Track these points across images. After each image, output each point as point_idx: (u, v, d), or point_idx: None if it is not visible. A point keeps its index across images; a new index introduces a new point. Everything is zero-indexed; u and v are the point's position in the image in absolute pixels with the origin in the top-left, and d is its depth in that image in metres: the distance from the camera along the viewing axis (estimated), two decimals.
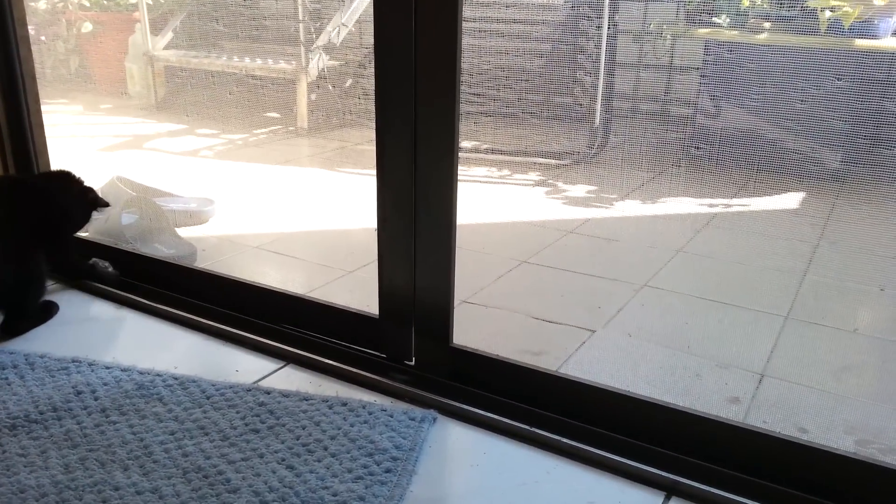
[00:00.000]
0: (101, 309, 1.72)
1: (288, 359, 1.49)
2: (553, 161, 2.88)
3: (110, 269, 1.80)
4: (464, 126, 1.30)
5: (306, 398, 1.34)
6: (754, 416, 1.35)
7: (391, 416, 1.28)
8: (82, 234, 2.08)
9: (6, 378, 1.38)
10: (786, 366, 1.53)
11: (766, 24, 2.23)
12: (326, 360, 1.46)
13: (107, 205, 1.78)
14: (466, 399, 1.34)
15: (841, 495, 1.10)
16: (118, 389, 1.35)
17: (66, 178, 1.74)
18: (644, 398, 1.25)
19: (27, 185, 1.70)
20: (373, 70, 1.32)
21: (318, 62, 3.25)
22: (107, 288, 1.76)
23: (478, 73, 2.90)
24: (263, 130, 3.45)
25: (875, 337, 1.69)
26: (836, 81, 2.15)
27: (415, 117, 1.29)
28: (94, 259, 1.81)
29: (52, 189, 1.69)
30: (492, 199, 2.63)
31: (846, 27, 2.05)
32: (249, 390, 1.36)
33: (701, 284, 1.94)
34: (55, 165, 2.03)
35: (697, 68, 2.48)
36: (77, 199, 1.73)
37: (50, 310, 1.66)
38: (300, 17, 3.27)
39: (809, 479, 1.12)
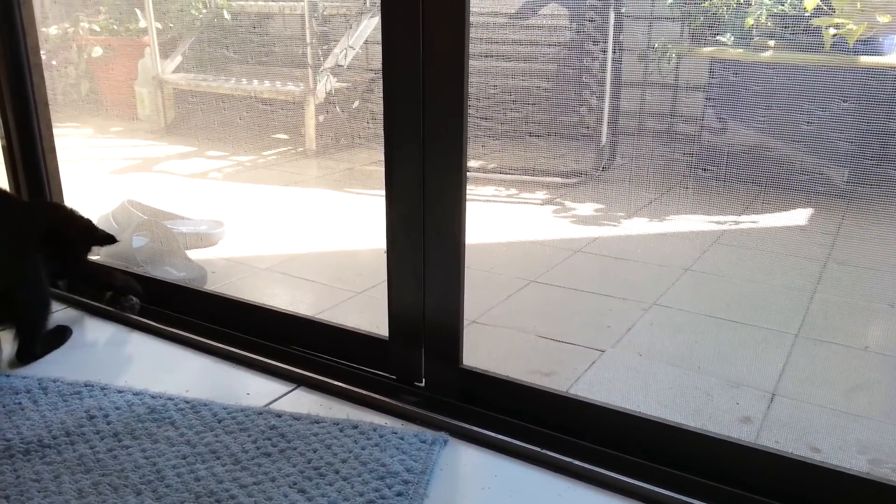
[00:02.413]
0: (113, 332, 1.73)
1: (298, 381, 1.50)
2: (560, 180, 2.89)
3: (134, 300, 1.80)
4: (471, 148, 1.31)
5: (317, 421, 1.34)
6: (766, 435, 1.34)
7: (402, 439, 1.28)
8: (92, 256, 2.10)
9: (20, 403, 1.39)
10: (797, 384, 1.52)
11: (771, 43, 2.25)
12: (337, 383, 1.46)
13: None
14: (477, 421, 1.34)
15: None
16: (130, 414, 1.35)
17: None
18: (655, 419, 1.25)
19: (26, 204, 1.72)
20: (380, 92, 1.34)
21: (326, 84, 3.28)
22: (118, 312, 1.77)
23: (485, 97, 2.92)
24: (272, 152, 3.48)
25: (886, 354, 1.68)
26: (842, 103, 2.16)
27: (423, 137, 1.30)
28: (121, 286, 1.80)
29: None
30: (500, 218, 2.64)
31: (850, 45, 2.06)
32: (261, 413, 1.36)
33: (710, 303, 1.94)
34: (67, 189, 2.05)
35: (703, 88, 2.49)
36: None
37: (63, 334, 1.67)
38: (308, 40, 3.31)
39: (823, 500, 1.12)
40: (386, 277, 1.43)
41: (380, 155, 1.38)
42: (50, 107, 1.97)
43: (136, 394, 1.42)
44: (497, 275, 2.11)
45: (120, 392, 1.43)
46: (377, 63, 1.35)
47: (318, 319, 1.64)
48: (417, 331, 1.42)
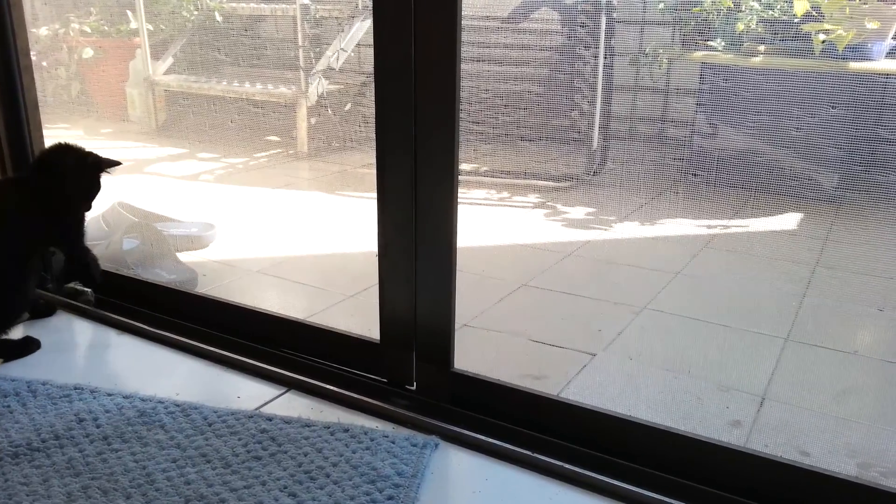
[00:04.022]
0: (103, 335, 1.72)
1: (289, 384, 1.49)
2: (551, 184, 2.90)
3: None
4: (463, 152, 1.32)
5: (308, 424, 1.34)
6: (756, 439, 1.35)
7: (393, 443, 1.28)
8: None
9: (8, 406, 1.38)
10: (787, 388, 1.53)
11: (761, 48, 2.26)
12: (328, 386, 1.46)
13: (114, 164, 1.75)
14: (468, 424, 1.34)
15: None
16: (120, 417, 1.35)
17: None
18: (646, 423, 1.25)
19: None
20: (372, 95, 1.34)
21: (318, 87, 3.28)
22: (108, 314, 1.76)
23: (477, 100, 2.92)
24: (264, 154, 3.47)
25: (875, 358, 1.70)
26: (831, 109, 2.17)
27: (414, 141, 1.31)
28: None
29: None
30: (492, 221, 2.64)
31: (840, 50, 2.07)
32: (251, 417, 1.36)
33: (700, 307, 1.94)
34: None
35: (694, 92, 2.51)
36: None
37: (27, 347, 1.61)
38: (300, 43, 3.31)
39: None
40: (378, 280, 1.43)
41: (372, 157, 1.38)
42: (40, 108, 1.96)
43: (125, 397, 1.42)
44: (488, 278, 2.12)
45: (109, 395, 1.42)
46: (369, 66, 1.36)
47: (309, 323, 1.64)
48: (409, 334, 1.42)
